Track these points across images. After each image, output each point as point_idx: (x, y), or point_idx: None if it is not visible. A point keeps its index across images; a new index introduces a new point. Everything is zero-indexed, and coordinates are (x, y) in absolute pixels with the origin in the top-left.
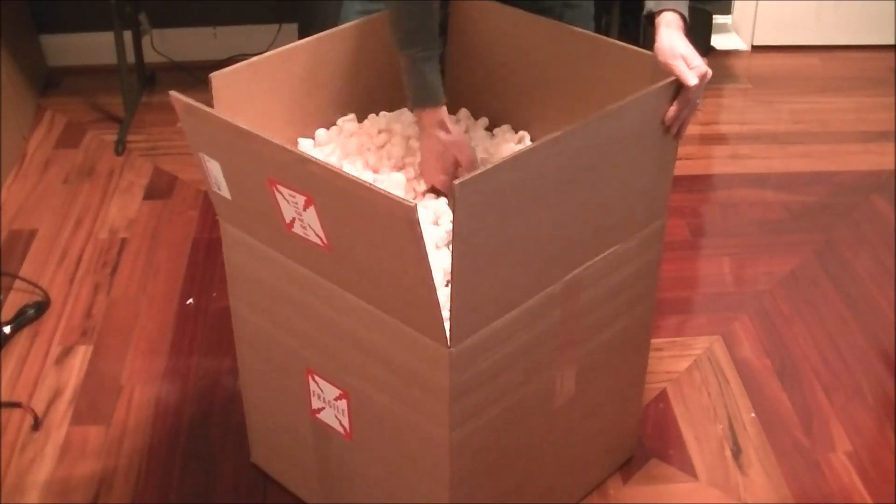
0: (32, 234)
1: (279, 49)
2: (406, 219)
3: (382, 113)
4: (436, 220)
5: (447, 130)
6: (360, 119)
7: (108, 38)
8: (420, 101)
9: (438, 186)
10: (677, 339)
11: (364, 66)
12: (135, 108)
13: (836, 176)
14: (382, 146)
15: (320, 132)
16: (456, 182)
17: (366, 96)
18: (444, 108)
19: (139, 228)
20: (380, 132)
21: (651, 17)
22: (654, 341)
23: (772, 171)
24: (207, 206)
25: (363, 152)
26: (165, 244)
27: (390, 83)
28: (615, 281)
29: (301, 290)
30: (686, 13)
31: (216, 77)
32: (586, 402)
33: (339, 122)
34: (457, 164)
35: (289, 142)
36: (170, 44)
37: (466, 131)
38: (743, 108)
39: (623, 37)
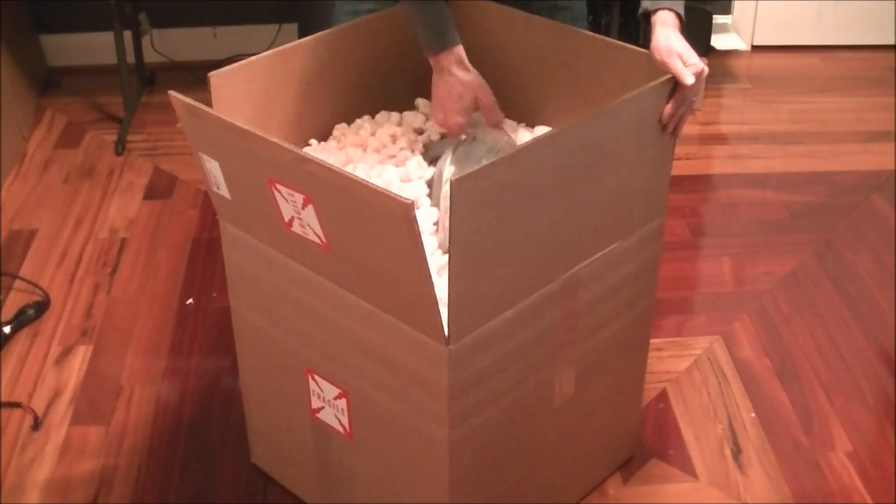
0: (32, 234)
1: (278, 48)
2: (404, 217)
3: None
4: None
5: (467, 70)
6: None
7: (108, 38)
8: (434, 45)
9: (452, 128)
10: (677, 339)
11: (363, 66)
12: (135, 108)
13: (836, 176)
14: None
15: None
16: (453, 180)
17: (365, 95)
18: (461, 48)
19: (139, 228)
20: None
21: (647, 17)
22: (654, 341)
23: (772, 171)
24: (207, 205)
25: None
26: (165, 244)
27: (390, 82)
28: (614, 279)
29: (300, 289)
30: (682, 12)
31: (215, 76)
32: (586, 401)
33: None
34: (475, 107)
35: (287, 140)
36: (170, 44)
37: None
38: (743, 108)
39: (623, 36)
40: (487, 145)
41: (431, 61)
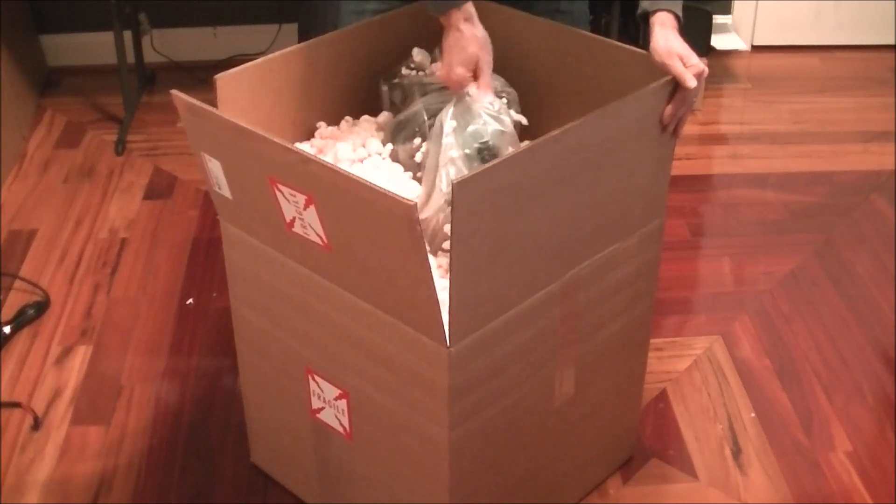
0: (32, 234)
1: (283, 51)
2: (405, 218)
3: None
4: None
5: (474, 25)
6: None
7: (108, 38)
8: (441, 7)
9: (455, 79)
10: (677, 339)
11: (369, 68)
12: (135, 108)
13: (836, 176)
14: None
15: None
16: (454, 181)
17: (370, 98)
18: (470, 4)
19: (139, 228)
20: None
21: (645, 18)
22: (654, 341)
23: (772, 171)
24: (207, 206)
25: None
26: (165, 244)
27: None
28: (614, 280)
29: (301, 289)
30: (680, 13)
31: (220, 79)
32: (586, 401)
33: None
34: (476, 64)
35: (292, 143)
36: (170, 44)
37: None
38: (743, 108)
39: (623, 37)
40: (483, 108)
41: (442, 20)
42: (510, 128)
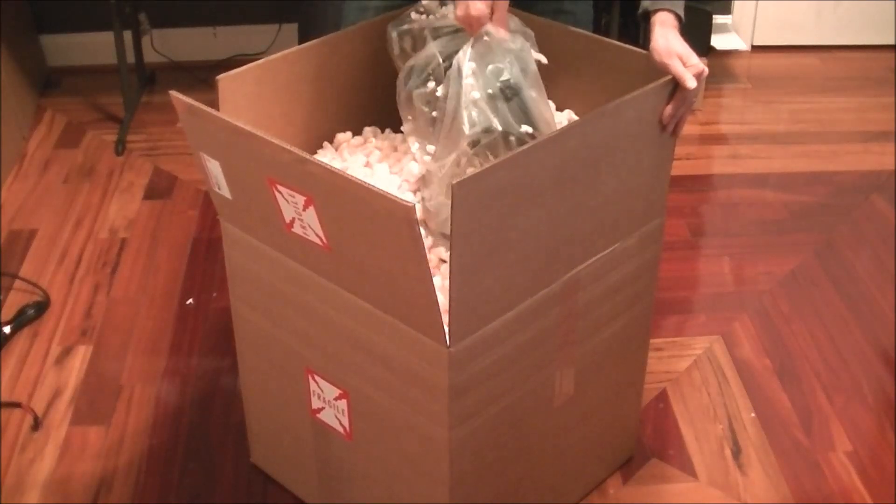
0: (32, 234)
1: (286, 51)
2: (405, 219)
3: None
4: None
5: None
6: (359, 129)
7: (108, 38)
8: None
9: (474, 15)
10: (677, 339)
11: (372, 69)
12: (135, 108)
13: (836, 176)
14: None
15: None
16: (454, 182)
17: (374, 98)
18: None
19: (139, 228)
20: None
21: (646, 17)
22: (654, 341)
23: (772, 171)
24: (207, 206)
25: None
26: (165, 244)
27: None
28: (614, 280)
29: (301, 289)
30: (682, 13)
31: (222, 79)
32: (585, 401)
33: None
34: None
35: (296, 144)
36: (170, 44)
37: None
38: (743, 108)
39: (623, 37)
40: (503, 48)
41: None
42: (533, 66)
